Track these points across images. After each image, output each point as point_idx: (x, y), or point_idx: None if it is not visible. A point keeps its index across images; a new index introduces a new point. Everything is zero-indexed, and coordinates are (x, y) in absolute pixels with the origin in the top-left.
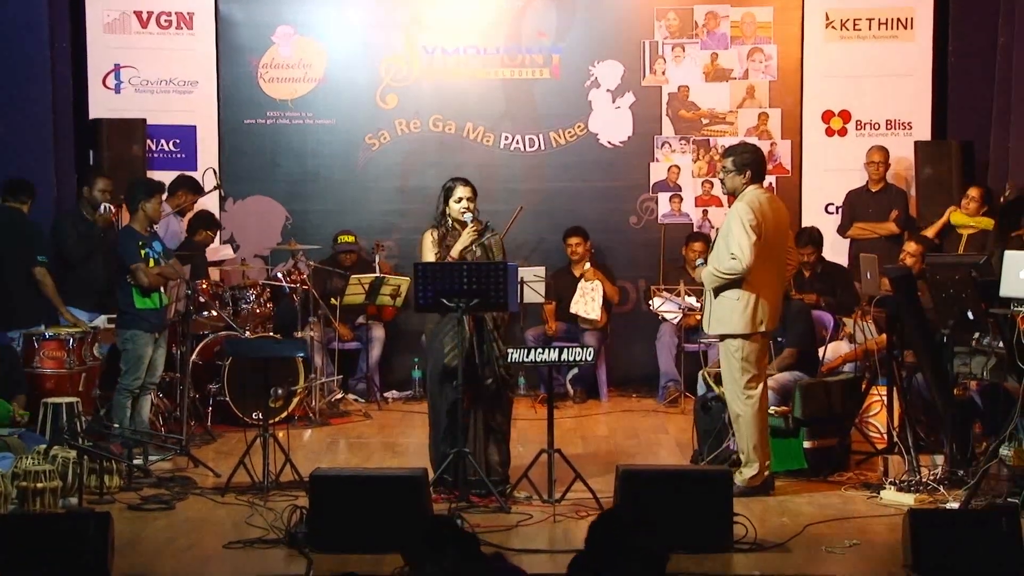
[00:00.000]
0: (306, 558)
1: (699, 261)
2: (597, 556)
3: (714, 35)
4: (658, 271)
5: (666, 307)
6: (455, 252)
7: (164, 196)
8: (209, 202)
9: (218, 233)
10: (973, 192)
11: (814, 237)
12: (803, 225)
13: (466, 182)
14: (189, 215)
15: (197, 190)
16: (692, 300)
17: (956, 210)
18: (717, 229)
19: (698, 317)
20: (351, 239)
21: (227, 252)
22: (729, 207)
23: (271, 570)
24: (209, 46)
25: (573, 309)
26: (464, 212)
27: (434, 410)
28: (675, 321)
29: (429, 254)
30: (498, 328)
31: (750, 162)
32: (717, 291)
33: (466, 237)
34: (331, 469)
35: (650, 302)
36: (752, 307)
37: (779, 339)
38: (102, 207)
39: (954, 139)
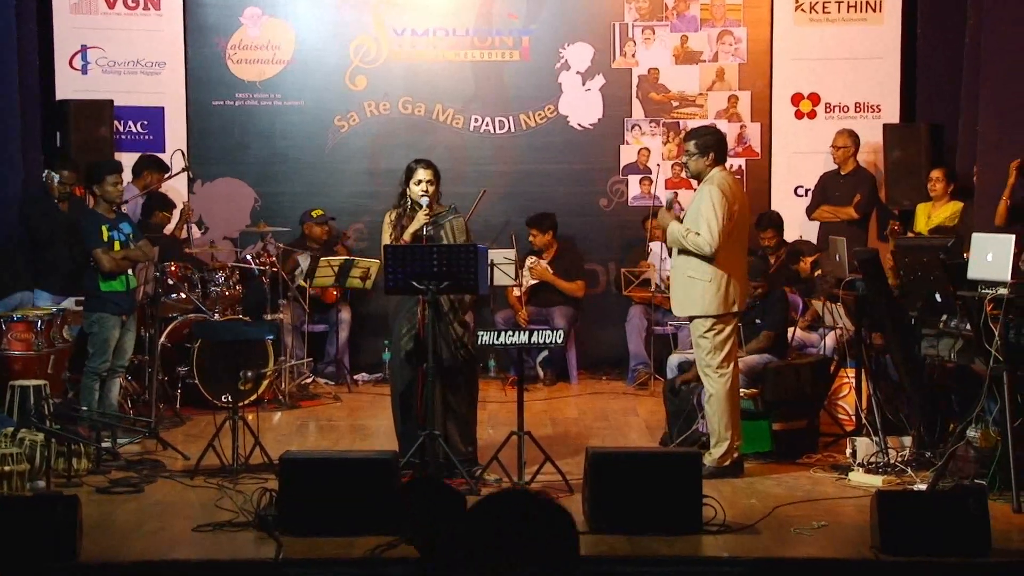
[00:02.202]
0: (276, 541)
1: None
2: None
3: (684, 17)
4: (628, 254)
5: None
6: (407, 235)
7: (122, 176)
8: (177, 184)
9: (173, 213)
10: (936, 174)
11: (774, 221)
12: (772, 208)
13: (428, 164)
14: (138, 195)
15: (163, 169)
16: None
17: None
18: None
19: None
20: (322, 211)
21: (194, 234)
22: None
23: (241, 553)
24: (177, 27)
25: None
26: (422, 195)
27: (393, 392)
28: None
29: (386, 236)
30: (455, 310)
31: (713, 144)
32: (687, 274)
33: (417, 221)
34: (301, 452)
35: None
36: (724, 288)
37: (757, 320)
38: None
39: (923, 122)
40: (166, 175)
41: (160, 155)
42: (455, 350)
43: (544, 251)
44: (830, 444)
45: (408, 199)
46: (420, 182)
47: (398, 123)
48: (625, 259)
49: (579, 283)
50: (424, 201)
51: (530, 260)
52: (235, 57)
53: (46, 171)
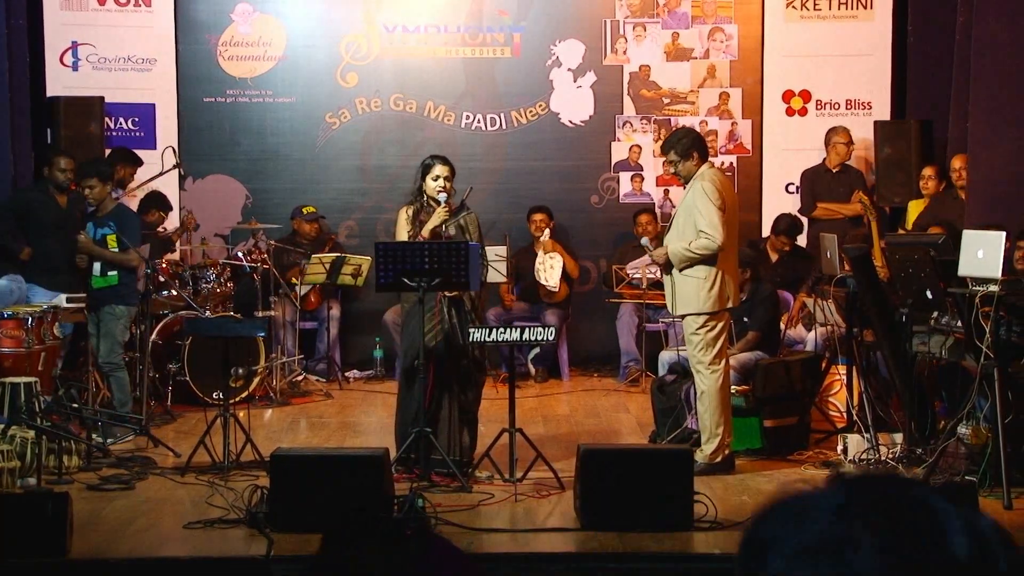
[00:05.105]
0: (267, 538)
1: (644, 240)
2: None
3: (675, 14)
4: (619, 251)
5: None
6: (426, 231)
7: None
8: (169, 181)
9: (169, 215)
10: (928, 171)
11: (791, 227)
12: (763, 204)
13: (445, 160)
14: (134, 191)
15: (135, 161)
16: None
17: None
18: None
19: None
20: (314, 209)
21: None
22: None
23: (232, 550)
24: (167, 23)
25: (536, 276)
26: (440, 191)
27: (407, 390)
28: (639, 276)
29: (402, 231)
30: (475, 309)
31: (691, 144)
32: (682, 272)
33: (437, 217)
34: (292, 449)
35: (627, 271)
36: (720, 285)
37: (745, 319)
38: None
39: (913, 118)
40: (157, 173)
41: (150, 152)
42: (472, 349)
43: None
44: (821, 441)
45: (424, 195)
46: (438, 178)
47: (389, 120)
48: (615, 255)
49: (575, 263)
50: (442, 197)
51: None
52: (226, 54)
53: (46, 167)
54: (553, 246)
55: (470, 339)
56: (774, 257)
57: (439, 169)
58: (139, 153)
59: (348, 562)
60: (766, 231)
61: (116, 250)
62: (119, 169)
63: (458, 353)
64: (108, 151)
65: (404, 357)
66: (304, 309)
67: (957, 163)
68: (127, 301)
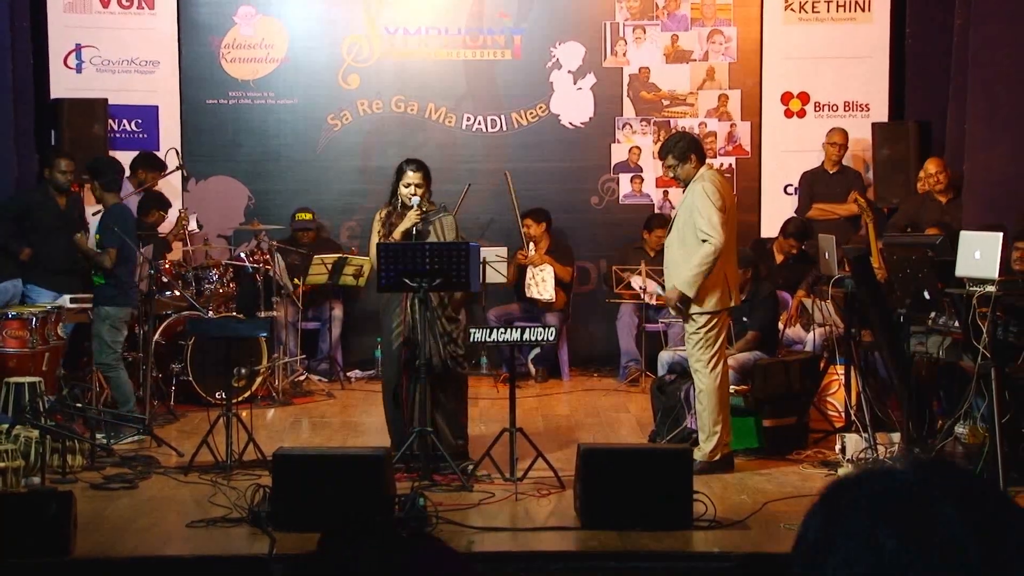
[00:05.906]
0: (269, 537)
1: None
2: None
3: (674, 17)
4: (618, 251)
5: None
6: (396, 233)
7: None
8: (171, 182)
9: (168, 212)
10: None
11: (800, 231)
12: (762, 205)
13: (417, 167)
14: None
15: (157, 166)
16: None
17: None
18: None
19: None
20: (309, 216)
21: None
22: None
23: (234, 549)
24: (170, 25)
25: (528, 293)
26: (411, 197)
27: (385, 386)
28: (652, 299)
29: (374, 234)
30: (443, 305)
31: (688, 148)
32: (687, 269)
33: (407, 221)
34: (294, 448)
35: (636, 283)
36: (723, 285)
37: (744, 319)
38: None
39: (911, 120)
40: (162, 173)
41: (155, 152)
42: (442, 345)
43: (538, 243)
44: (819, 440)
45: (398, 198)
46: (409, 185)
47: (390, 121)
48: (615, 257)
49: (568, 268)
50: (414, 202)
51: (522, 254)
52: (228, 56)
53: (47, 168)
54: (541, 259)
55: (472, 339)
56: (779, 258)
57: (410, 176)
58: None
59: (344, 563)
60: (765, 232)
61: (99, 250)
62: (140, 173)
63: (425, 349)
64: (135, 155)
65: (382, 357)
66: (305, 307)
67: (932, 167)
68: (114, 302)
